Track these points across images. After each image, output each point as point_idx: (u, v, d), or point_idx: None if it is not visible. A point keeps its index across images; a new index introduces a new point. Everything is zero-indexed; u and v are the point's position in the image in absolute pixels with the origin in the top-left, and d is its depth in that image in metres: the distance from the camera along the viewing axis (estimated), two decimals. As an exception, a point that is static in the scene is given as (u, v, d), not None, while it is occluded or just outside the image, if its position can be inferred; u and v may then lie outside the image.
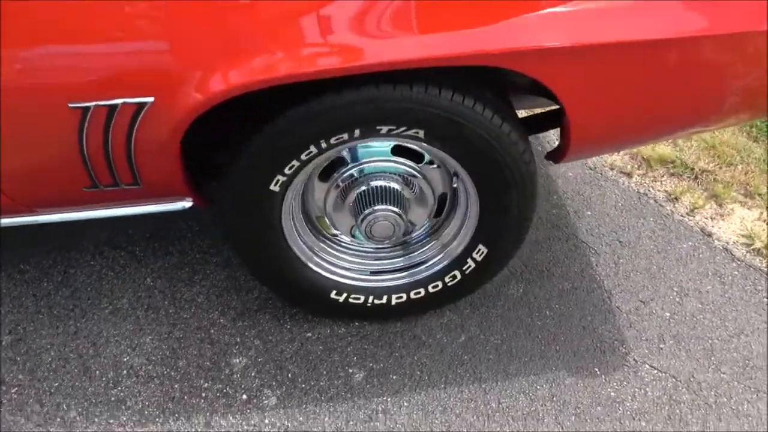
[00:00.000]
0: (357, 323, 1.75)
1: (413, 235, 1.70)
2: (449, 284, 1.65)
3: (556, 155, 1.50)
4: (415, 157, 1.52)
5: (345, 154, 1.50)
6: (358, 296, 1.66)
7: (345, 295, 1.66)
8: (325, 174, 1.53)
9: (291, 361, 1.67)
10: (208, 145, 1.44)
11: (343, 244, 1.70)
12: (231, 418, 1.56)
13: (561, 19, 1.18)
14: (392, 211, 1.51)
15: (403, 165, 1.53)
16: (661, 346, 1.75)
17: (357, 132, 1.32)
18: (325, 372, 1.65)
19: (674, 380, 1.67)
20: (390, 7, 1.15)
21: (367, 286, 1.67)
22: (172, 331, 1.73)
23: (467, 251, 1.60)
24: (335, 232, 1.66)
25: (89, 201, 1.43)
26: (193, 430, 1.53)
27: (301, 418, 1.56)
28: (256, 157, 1.34)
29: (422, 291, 1.67)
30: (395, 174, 1.53)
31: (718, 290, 1.90)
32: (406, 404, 1.59)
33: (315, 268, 1.62)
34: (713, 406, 1.62)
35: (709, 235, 2.08)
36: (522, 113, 1.82)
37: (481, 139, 1.34)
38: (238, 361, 1.67)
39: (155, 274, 1.87)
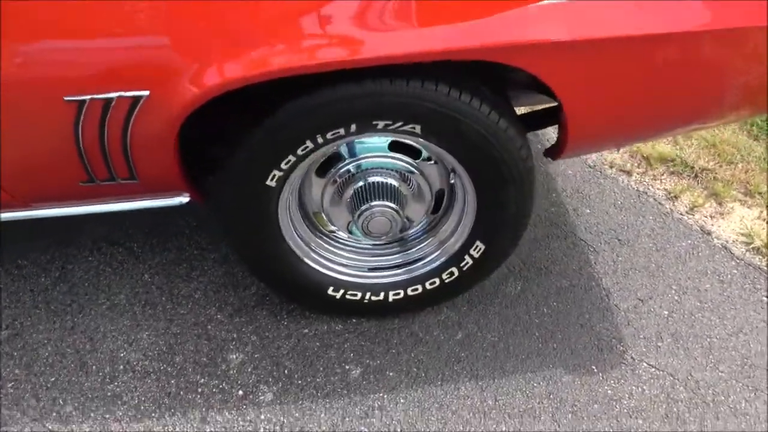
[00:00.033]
0: (354, 320, 1.75)
1: (410, 231, 1.69)
2: (447, 281, 1.65)
3: (554, 152, 1.50)
4: (413, 153, 1.52)
5: (342, 149, 1.50)
6: (355, 293, 1.66)
7: (342, 291, 1.65)
8: (322, 170, 1.53)
9: (287, 357, 1.67)
10: (204, 140, 1.44)
11: (340, 241, 1.69)
12: (227, 413, 1.56)
13: (557, 14, 1.18)
14: (389, 207, 1.51)
15: (401, 161, 1.52)
16: (659, 344, 1.74)
17: (353, 127, 1.31)
18: (321, 368, 1.65)
19: (672, 378, 1.66)
20: (388, 3, 1.15)
21: (365, 283, 1.67)
22: (169, 327, 1.73)
23: (465, 248, 1.60)
24: (332, 228, 1.66)
25: (86, 196, 1.43)
26: (189, 425, 1.53)
27: (297, 414, 1.56)
28: (252, 151, 1.34)
29: (420, 288, 1.66)
30: (392, 170, 1.53)
31: (717, 289, 1.89)
32: (402, 401, 1.59)
33: (312, 264, 1.62)
34: (711, 404, 1.61)
35: (709, 233, 2.07)
36: (522, 111, 1.82)
37: (477, 134, 1.34)
38: (234, 356, 1.67)
39: (153, 270, 1.87)
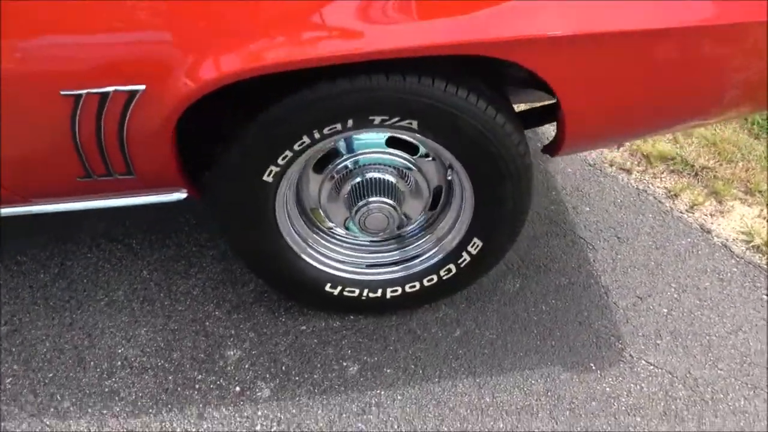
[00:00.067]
0: (352, 316, 1.75)
1: (408, 228, 1.69)
2: (444, 278, 1.65)
3: (552, 148, 1.49)
4: (410, 149, 1.52)
5: (340, 145, 1.50)
6: (353, 289, 1.66)
7: (340, 288, 1.65)
8: (320, 165, 1.53)
9: (285, 353, 1.67)
10: (201, 135, 1.44)
11: (338, 237, 1.69)
12: (224, 409, 1.55)
13: (554, 8, 1.17)
14: (386, 203, 1.51)
15: (398, 157, 1.52)
16: (658, 342, 1.73)
17: (350, 122, 1.31)
18: (319, 365, 1.65)
19: (671, 376, 1.66)
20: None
21: (363, 280, 1.67)
22: (167, 323, 1.73)
23: (462, 244, 1.59)
24: (330, 224, 1.66)
25: (84, 191, 1.43)
26: (186, 421, 1.53)
27: (294, 411, 1.56)
28: (249, 146, 1.34)
29: (417, 284, 1.66)
30: (390, 166, 1.52)
31: (717, 287, 1.89)
32: (399, 398, 1.59)
33: (309, 261, 1.62)
34: (710, 402, 1.61)
35: (709, 231, 2.06)
36: (521, 108, 1.81)
37: (474, 130, 1.34)
38: (232, 353, 1.67)
39: (151, 267, 1.87)
